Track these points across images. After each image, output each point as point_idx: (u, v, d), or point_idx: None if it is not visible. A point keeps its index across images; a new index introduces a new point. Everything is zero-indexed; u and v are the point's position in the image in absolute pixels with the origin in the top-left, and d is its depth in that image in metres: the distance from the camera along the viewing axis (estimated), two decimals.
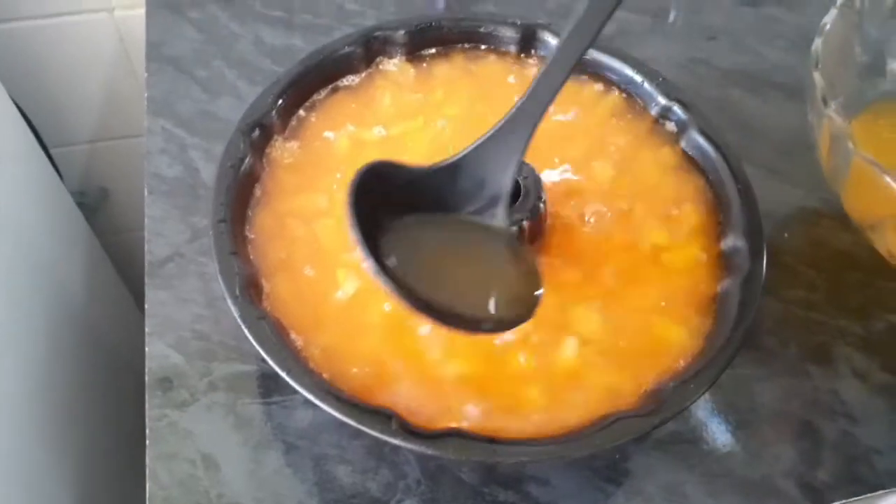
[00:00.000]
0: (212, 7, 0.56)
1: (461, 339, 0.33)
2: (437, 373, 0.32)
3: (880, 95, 0.47)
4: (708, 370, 0.32)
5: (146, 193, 0.46)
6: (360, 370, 0.32)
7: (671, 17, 0.61)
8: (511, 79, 0.43)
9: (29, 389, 0.52)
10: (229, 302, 0.31)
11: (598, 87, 0.43)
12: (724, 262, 0.36)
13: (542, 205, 0.36)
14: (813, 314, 0.44)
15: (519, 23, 0.43)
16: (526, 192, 0.35)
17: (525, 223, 0.35)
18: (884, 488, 0.39)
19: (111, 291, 0.76)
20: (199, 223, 0.44)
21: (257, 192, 0.37)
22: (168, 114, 0.49)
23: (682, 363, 0.33)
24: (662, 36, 0.59)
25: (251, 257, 0.35)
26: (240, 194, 0.36)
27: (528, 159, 0.34)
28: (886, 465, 0.39)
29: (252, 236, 0.36)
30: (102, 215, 0.83)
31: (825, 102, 0.38)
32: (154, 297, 0.41)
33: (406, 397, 0.32)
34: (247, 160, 0.37)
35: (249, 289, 0.32)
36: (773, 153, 0.51)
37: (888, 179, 0.35)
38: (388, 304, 0.34)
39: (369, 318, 0.34)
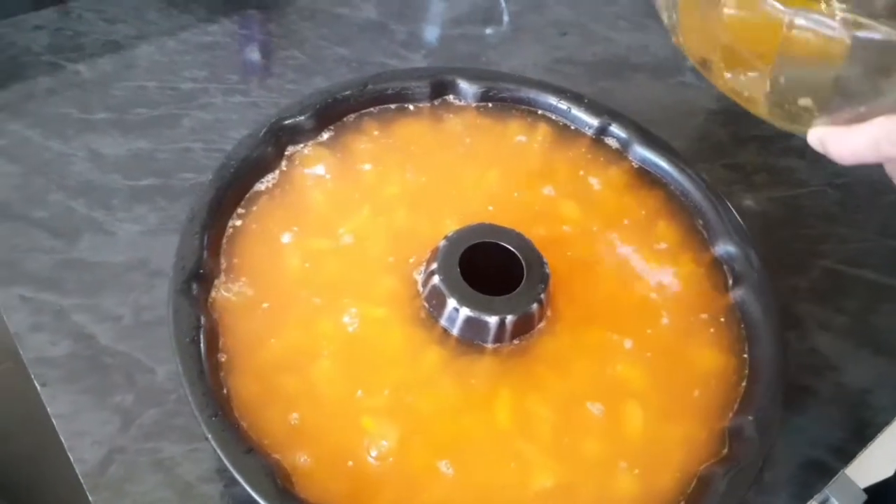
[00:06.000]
0: (14, 126, 0.45)
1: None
2: None
3: None
4: (770, 388, 0.31)
5: (38, 387, 0.36)
6: None
7: (504, 20, 0.60)
8: (430, 138, 0.39)
9: None
10: None
11: (522, 123, 0.40)
12: (722, 269, 0.36)
13: (547, 272, 0.33)
14: None
15: (428, 76, 0.39)
16: (529, 268, 0.32)
17: (543, 297, 0.32)
18: (887, 423, 0.41)
19: None
20: (125, 402, 0.36)
21: (220, 355, 0.30)
22: (21, 278, 0.39)
23: (741, 386, 0.32)
24: (516, 43, 0.57)
25: (259, 443, 0.28)
26: (210, 369, 0.29)
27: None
28: (879, 400, 0.42)
29: (239, 413, 0.29)
30: None
31: None
32: None
33: None
34: (202, 324, 0.29)
35: (287, 486, 0.26)
36: (664, 136, 0.52)
37: None
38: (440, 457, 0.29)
39: (425, 465, 0.29)
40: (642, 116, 0.52)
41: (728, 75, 0.41)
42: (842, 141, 0.29)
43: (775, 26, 0.35)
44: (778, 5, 0.33)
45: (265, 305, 0.32)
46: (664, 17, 0.45)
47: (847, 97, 0.32)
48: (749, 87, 0.41)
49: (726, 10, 0.34)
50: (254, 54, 0.53)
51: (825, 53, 0.33)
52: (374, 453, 0.29)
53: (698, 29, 0.42)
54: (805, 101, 0.39)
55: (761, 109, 0.43)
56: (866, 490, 0.54)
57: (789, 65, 0.37)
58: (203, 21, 0.53)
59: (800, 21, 0.33)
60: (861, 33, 0.28)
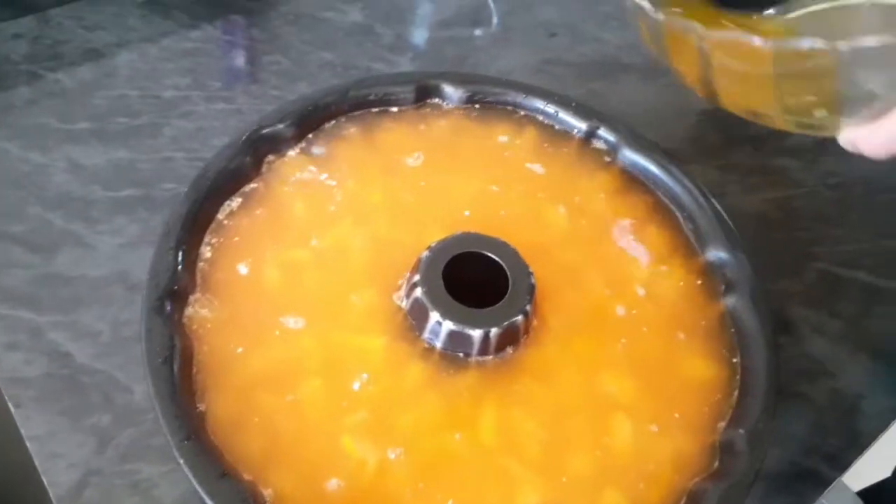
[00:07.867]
0: None
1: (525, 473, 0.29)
2: None
3: None
4: (762, 400, 0.30)
5: (12, 409, 0.35)
6: None
7: (493, 21, 0.59)
8: (414, 142, 0.38)
9: None
10: None
11: (509, 127, 0.40)
12: (714, 275, 0.35)
13: (533, 283, 0.32)
14: None
15: (413, 81, 0.38)
16: (514, 279, 0.31)
17: (528, 308, 0.31)
18: (882, 430, 0.41)
19: None
20: (102, 422, 0.35)
21: (194, 374, 0.30)
22: None
23: (732, 397, 0.32)
24: (505, 44, 0.56)
25: (235, 466, 0.27)
26: (184, 391, 0.28)
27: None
28: (874, 406, 0.41)
29: (214, 435, 0.28)
30: None
31: None
32: None
33: None
34: (176, 343, 0.29)
35: None
36: (655, 138, 0.51)
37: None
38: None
39: (407, 485, 0.28)
40: (633, 118, 0.51)
41: (733, 95, 0.40)
42: (870, 140, 0.29)
43: (762, 57, 0.34)
44: (756, 40, 0.32)
45: (242, 321, 0.31)
46: (652, 48, 0.43)
47: (856, 102, 0.31)
48: (759, 106, 0.40)
49: (715, 62, 0.33)
50: (237, 60, 0.52)
51: (819, 69, 0.31)
52: (354, 475, 0.28)
53: (689, 63, 0.41)
54: (820, 113, 0.38)
55: (779, 123, 0.42)
56: (862, 493, 0.54)
57: (789, 87, 0.36)
58: (185, 27, 0.52)
59: (780, 48, 0.32)
60: (843, 45, 0.27)
